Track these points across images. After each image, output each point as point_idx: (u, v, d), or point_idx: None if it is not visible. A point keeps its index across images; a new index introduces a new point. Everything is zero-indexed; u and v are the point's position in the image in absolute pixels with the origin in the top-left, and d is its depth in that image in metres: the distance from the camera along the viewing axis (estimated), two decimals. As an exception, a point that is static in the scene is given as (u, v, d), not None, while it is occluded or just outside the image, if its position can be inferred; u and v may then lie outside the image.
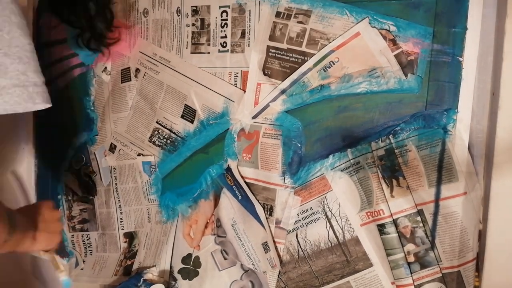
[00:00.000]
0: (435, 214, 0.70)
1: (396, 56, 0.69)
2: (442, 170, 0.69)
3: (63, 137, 1.00)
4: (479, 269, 0.69)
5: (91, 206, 0.99)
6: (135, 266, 0.89)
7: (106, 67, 0.93)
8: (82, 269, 0.98)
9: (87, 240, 1.00)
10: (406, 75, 0.69)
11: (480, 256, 0.68)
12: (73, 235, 1.01)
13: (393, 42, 0.69)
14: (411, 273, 0.70)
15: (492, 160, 0.64)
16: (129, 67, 0.91)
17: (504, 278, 0.67)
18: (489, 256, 0.66)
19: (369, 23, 0.69)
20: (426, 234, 0.70)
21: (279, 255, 0.79)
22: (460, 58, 0.66)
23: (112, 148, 0.93)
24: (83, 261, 0.99)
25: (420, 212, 0.70)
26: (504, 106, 0.63)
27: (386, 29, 0.69)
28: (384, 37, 0.69)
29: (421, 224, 0.70)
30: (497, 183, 0.64)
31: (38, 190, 1.05)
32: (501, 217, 0.65)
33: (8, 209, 0.59)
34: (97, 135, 0.96)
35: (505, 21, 0.61)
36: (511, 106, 0.63)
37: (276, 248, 0.79)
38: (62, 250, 1.03)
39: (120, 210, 0.94)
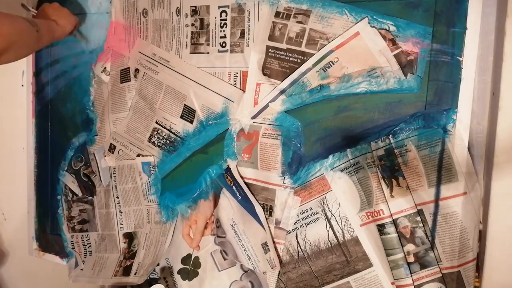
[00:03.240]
0: (435, 214, 0.69)
1: (395, 56, 0.69)
2: (441, 170, 0.68)
3: (62, 137, 1.00)
4: (479, 269, 0.69)
5: (90, 206, 0.98)
6: (134, 267, 0.89)
7: (105, 67, 0.93)
8: (82, 269, 0.98)
9: (86, 240, 0.99)
10: (405, 75, 0.69)
11: (480, 256, 0.68)
12: (72, 235, 1.01)
13: (393, 42, 0.69)
14: (411, 273, 0.70)
15: (492, 160, 0.64)
16: (128, 67, 0.91)
17: (504, 278, 0.67)
18: (489, 256, 0.66)
19: (369, 23, 0.69)
20: (426, 234, 0.70)
21: (278, 256, 0.79)
22: (459, 58, 0.66)
23: (112, 148, 0.93)
24: (83, 261, 0.99)
25: (419, 212, 0.70)
26: (505, 106, 0.63)
27: (385, 29, 0.69)
28: (384, 37, 0.69)
29: (420, 224, 0.70)
30: (497, 183, 0.64)
31: (37, 190, 1.05)
32: (501, 217, 0.65)
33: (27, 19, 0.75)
34: (97, 135, 0.96)
35: (505, 21, 0.60)
36: (511, 107, 0.62)
37: (275, 248, 0.79)
38: (61, 251, 1.03)
39: (120, 210, 0.94)
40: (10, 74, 1.02)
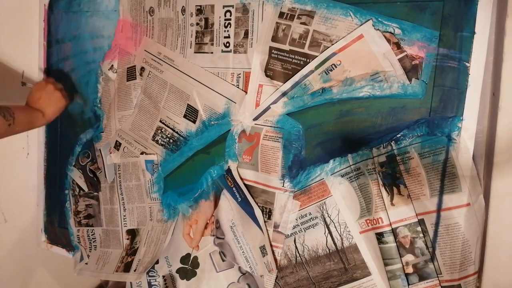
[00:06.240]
0: (436, 224, 0.67)
1: (400, 60, 0.67)
2: (445, 180, 0.66)
3: (71, 133, 1.02)
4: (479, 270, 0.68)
5: (96, 202, 1.00)
6: (134, 263, 0.90)
7: (112, 65, 0.94)
8: (86, 263, 0.99)
9: (91, 235, 1.01)
10: (410, 80, 0.67)
11: (481, 256, 0.67)
12: (78, 229, 1.02)
13: (397, 45, 0.67)
14: (408, 284, 0.68)
15: (492, 160, 0.64)
16: (134, 66, 0.91)
17: (504, 278, 0.66)
18: (489, 256, 0.66)
19: (373, 26, 0.67)
20: (426, 245, 0.68)
21: (275, 260, 0.78)
22: (467, 64, 0.63)
23: (117, 145, 0.94)
24: (88, 255, 1.00)
25: (420, 222, 0.68)
26: (504, 106, 0.62)
27: (390, 32, 0.67)
28: (388, 40, 0.67)
29: (421, 235, 0.68)
30: (497, 183, 0.64)
31: (47, 183, 1.07)
32: (501, 217, 0.64)
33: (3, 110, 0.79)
34: (103, 132, 0.97)
35: (505, 22, 0.59)
36: (511, 107, 0.62)
37: (273, 252, 0.78)
38: (67, 244, 1.05)
39: (124, 207, 0.95)
40: (9, 74, 1.03)
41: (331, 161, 0.73)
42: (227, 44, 0.80)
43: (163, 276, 0.88)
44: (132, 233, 0.95)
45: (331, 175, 0.73)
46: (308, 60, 0.72)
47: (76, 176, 1.01)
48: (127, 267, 0.91)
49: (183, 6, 0.84)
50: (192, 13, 0.83)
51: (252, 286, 0.82)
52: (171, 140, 0.88)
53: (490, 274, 0.66)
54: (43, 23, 1.01)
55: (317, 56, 0.71)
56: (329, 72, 0.71)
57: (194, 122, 0.85)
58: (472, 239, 0.65)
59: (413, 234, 0.68)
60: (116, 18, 0.92)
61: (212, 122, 0.83)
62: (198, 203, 0.86)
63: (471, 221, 0.65)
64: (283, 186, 0.77)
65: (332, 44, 0.70)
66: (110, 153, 0.95)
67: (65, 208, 1.04)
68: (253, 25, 0.77)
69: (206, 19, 0.82)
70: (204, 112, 0.83)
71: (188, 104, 0.84)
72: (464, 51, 0.63)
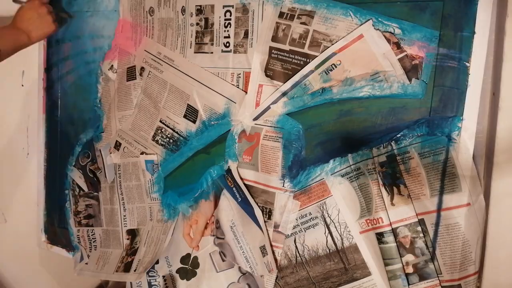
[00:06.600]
0: (437, 224, 0.67)
1: (400, 60, 0.67)
2: (445, 179, 0.66)
3: (71, 133, 1.02)
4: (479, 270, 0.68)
5: (96, 202, 1.00)
6: (134, 263, 0.90)
7: (112, 65, 0.94)
8: (86, 263, 0.99)
9: (92, 235, 1.01)
10: (410, 80, 0.67)
11: (481, 255, 0.67)
12: (78, 229, 1.02)
13: (397, 45, 0.67)
14: (408, 284, 0.68)
15: (492, 160, 0.64)
16: (134, 66, 0.91)
17: (504, 278, 0.66)
18: (489, 256, 0.66)
19: (373, 25, 0.67)
20: (426, 245, 0.68)
21: (276, 260, 0.78)
22: (467, 64, 0.63)
23: (117, 145, 0.94)
24: (88, 255, 1.00)
25: (420, 222, 0.68)
26: (505, 106, 0.62)
27: (390, 32, 0.67)
28: (388, 40, 0.67)
29: (421, 235, 0.68)
30: (497, 183, 0.64)
31: (47, 184, 1.07)
32: (501, 217, 0.64)
33: None
34: (103, 132, 0.97)
35: (505, 21, 0.59)
36: (511, 107, 0.62)
37: (273, 252, 0.78)
38: (67, 244, 1.05)
39: (124, 207, 0.95)
40: (9, 74, 1.03)
41: (331, 161, 0.73)
42: (227, 44, 0.80)
43: (163, 276, 0.88)
44: (132, 233, 0.95)
45: (331, 175, 0.73)
46: (308, 60, 0.72)
47: (76, 176, 1.01)
48: (127, 267, 0.91)
49: (183, 6, 0.84)
50: (192, 13, 0.83)
51: (252, 286, 0.82)
52: (171, 140, 0.88)
53: (490, 274, 0.66)
54: (43, 23, 1.01)
55: (317, 56, 0.71)
56: (329, 72, 0.71)
57: (194, 122, 0.85)
58: (472, 239, 0.65)
59: (413, 234, 0.68)
60: (116, 18, 0.92)
61: (212, 122, 0.83)
62: (198, 203, 0.86)
63: (471, 221, 0.65)
64: (283, 186, 0.77)
65: (332, 44, 0.70)
66: (110, 153, 0.95)
67: (65, 208, 1.04)
68: (253, 25, 0.78)
69: (206, 19, 0.82)
70: (204, 112, 0.83)
71: (188, 104, 0.84)
72: (464, 51, 0.63)
